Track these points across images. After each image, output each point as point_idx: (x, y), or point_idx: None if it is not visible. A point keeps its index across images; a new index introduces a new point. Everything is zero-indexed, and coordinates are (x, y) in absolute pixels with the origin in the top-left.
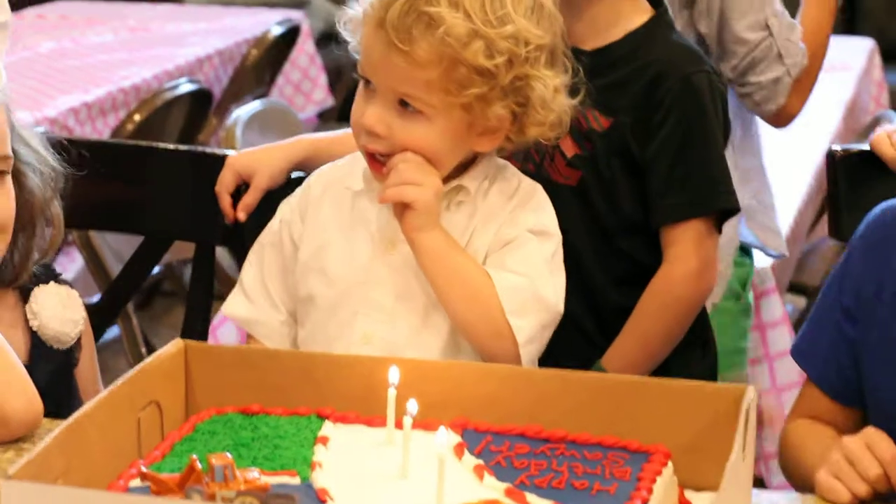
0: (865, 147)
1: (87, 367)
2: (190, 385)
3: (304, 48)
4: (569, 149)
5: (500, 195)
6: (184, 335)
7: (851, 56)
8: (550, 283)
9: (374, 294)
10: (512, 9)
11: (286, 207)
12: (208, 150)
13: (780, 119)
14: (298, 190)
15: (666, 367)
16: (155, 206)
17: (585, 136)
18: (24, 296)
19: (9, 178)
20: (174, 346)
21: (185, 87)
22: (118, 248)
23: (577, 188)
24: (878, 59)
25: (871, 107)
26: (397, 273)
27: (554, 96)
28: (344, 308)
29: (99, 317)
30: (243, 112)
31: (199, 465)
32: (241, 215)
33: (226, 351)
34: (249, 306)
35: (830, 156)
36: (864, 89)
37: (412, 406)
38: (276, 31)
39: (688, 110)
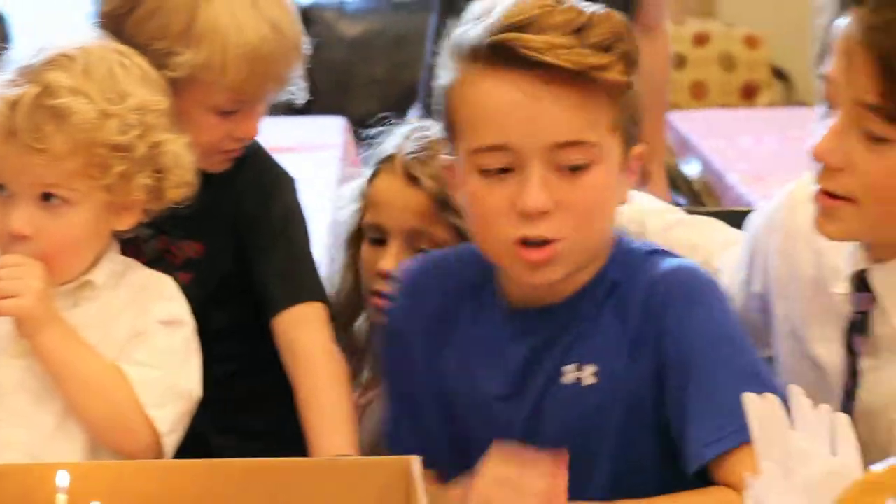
0: None
1: None
2: None
3: None
4: None
5: (129, 288)
6: None
7: (332, 135)
8: (184, 371)
9: (11, 399)
10: (125, 83)
11: None
12: None
13: None
14: None
15: None
16: None
17: (182, 266)
18: None
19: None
20: None
21: None
22: None
23: None
24: (351, 136)
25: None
26: (34, 376)
27: (185, 154)
28: None
29: None
30: None
31: None
32: None
33: None
34: None
35: None
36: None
37: None
38: None
39: (275, 217)
